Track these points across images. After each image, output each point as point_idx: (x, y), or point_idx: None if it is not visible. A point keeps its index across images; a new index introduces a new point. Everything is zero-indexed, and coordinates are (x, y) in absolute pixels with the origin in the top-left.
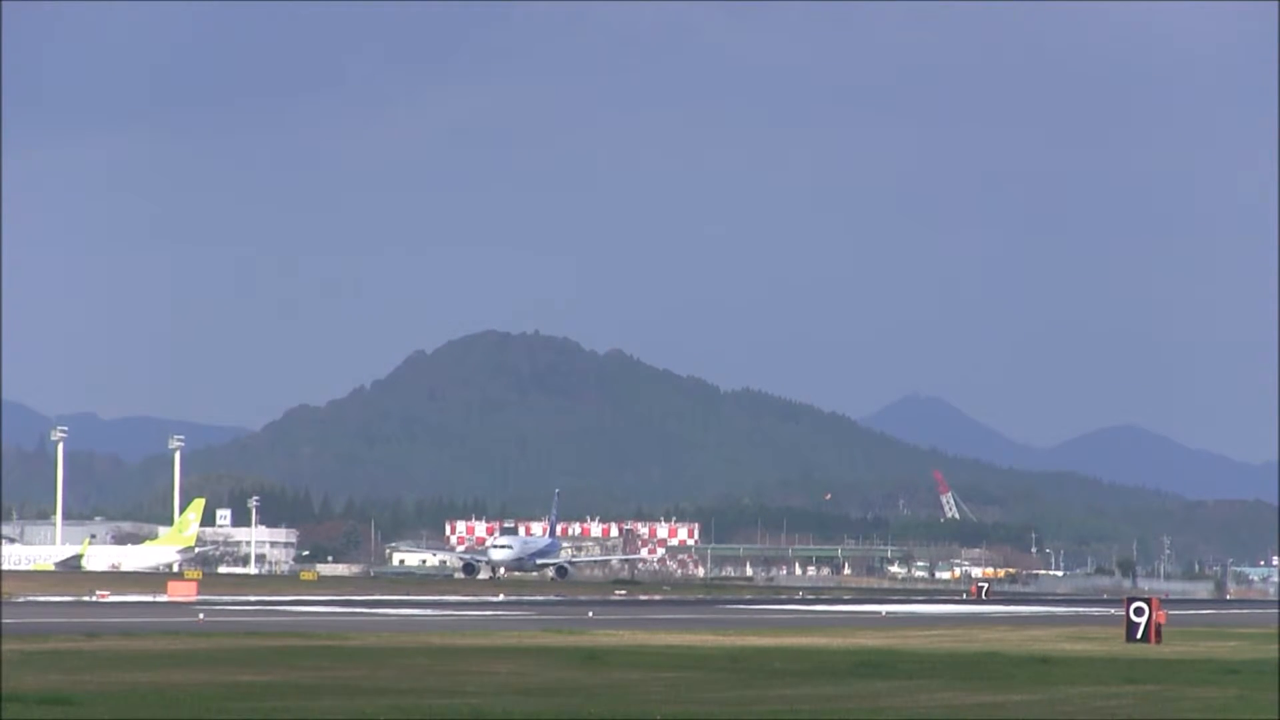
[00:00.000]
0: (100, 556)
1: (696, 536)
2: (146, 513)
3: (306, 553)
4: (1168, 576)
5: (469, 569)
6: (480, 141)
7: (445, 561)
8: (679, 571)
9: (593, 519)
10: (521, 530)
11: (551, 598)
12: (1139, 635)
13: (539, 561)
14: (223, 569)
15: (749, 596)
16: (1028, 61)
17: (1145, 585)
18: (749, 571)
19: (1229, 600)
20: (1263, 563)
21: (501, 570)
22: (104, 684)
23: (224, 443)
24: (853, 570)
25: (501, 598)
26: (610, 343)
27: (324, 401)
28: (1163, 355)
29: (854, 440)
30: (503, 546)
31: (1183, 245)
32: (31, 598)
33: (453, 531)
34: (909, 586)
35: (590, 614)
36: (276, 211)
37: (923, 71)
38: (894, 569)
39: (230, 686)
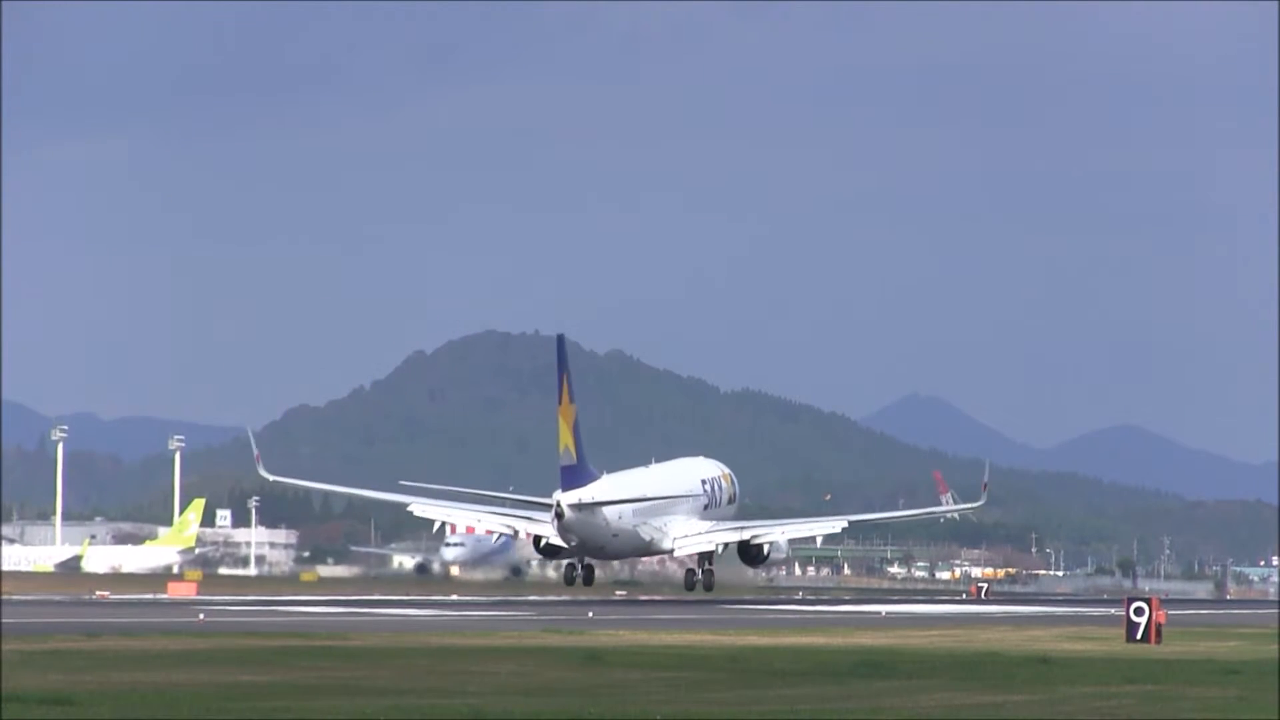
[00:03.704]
0: (100, 557)
1: None
2: (146, 513)
3: (307, 554)
4: (1168, 576)
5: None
6: (482, 141)
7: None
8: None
9: None
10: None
11: (550, 598)
12: (1139, 635)
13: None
14: (223, 570)
15: (749, 597)
16: (1027, 62)
17: (1145, 585)
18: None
19: (1229, 600)
20: (1263, 563)
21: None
22: (104, 684)
23: (224, 443)
24: (853, 570)
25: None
26: (610, 343)
27: (324, 401)
28: (1163, 355)
29: (854, 440)
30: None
31: (1183, 245)
32: (31, 597)
33: (453, 532)
34: (909, 586)
35: (590, 614)
36: (277, 210)
37: (921, 72)
38: (894, 569)
39: (230, 686)
